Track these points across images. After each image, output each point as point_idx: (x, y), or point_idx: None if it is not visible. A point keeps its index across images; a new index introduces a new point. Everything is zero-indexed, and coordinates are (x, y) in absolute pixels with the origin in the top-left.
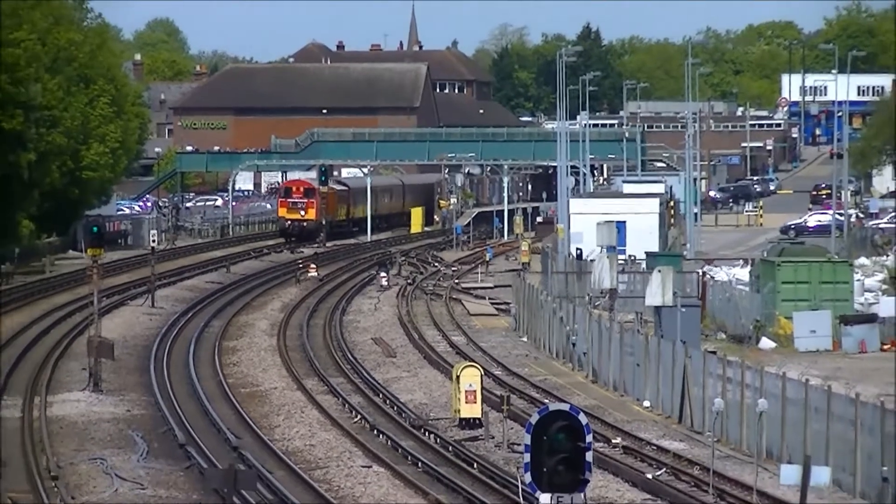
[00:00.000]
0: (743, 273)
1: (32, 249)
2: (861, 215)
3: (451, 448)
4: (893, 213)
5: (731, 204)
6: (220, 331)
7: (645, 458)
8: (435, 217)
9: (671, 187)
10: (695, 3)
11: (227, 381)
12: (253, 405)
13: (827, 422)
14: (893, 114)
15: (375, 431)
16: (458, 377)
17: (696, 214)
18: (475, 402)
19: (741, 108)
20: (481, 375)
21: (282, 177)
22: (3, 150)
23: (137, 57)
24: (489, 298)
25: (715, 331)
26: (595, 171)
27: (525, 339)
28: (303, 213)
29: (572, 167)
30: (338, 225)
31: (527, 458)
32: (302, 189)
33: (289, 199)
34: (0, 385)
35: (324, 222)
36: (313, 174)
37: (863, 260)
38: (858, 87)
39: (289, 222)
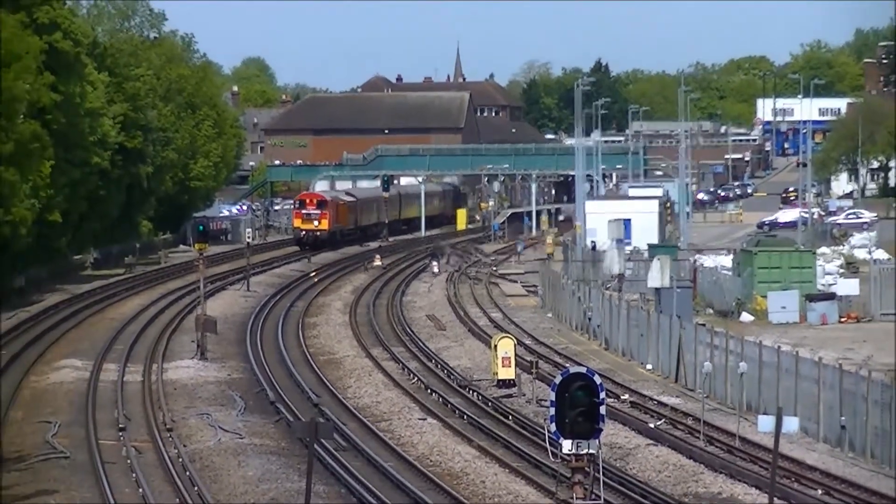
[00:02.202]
0: (726, 260)
1: (150, 244)
2: (822, 213)
3: (490, 404)
4: (848, 212)
5: (716, 204)
6: (302, 310)
7: (648, 410)
8: (477, 216)
9: (668, 191)
10: (686, 42)
11: (309, 351)
12: (330, 370)
13: (795, 380)
14: (849, 131)
15: (429, 390)
16: (495, 346)
17: (688, 213)
18: (510, 367)
19: (724, 127)
20: (514, 344)
21: (352, 184)
22: (127, 165)
23: (235, 88)
24: (521, 282)
25: (704, 307)
26: (606, 179)
27: (550, 315)
28: (316, 223)
29: (587, 175)
30: (348, 233)
31: (552, 411)
32: (315, 201)
33: (303, 211)
34: (124, 357)
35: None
36: (373, 182)
37: (824, 249)
38: (819, 109)
39: (303, 232)
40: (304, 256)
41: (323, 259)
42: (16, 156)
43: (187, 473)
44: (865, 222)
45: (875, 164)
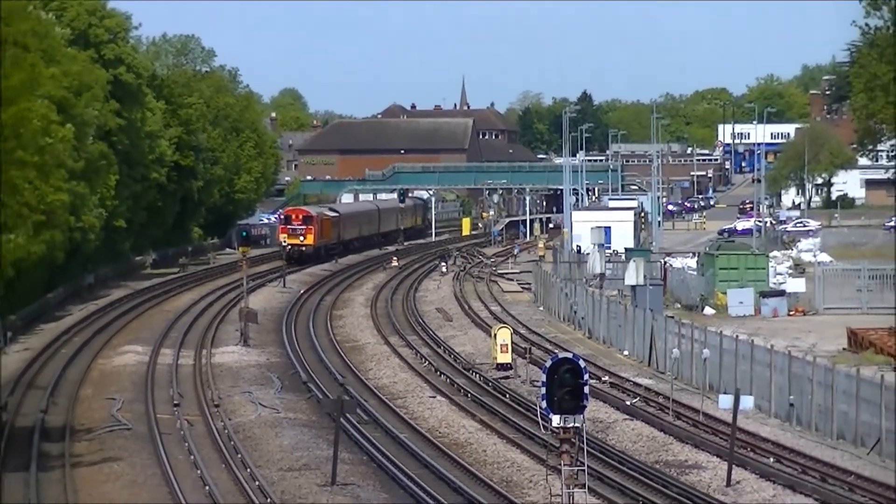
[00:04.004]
0: (692, 262)
1: (201, 248)
2: (773, 222)
3: (490, 384)
4: (796, 221)
5: (683, 214)
6: (330, 303)
7: (625, 390)
8: (479, 224)
9: (642, 203)
10: (656, 75)
11: (336, 339)
12: (353, 355)
13: (751, 365)
14: (797, 152)
15: (438, 372)
16: (495, 335)
17: (659, 221)
18: (507, 352)
19: (690, 148)
20: (511, 333)
21: (373, 196)
22: (181, 180)
23: (273, 114)
24: (517, 280)
25: (672, 302)
26: (589, 192)
27: (541, 308)
28: (302, 238)
29: (573, 189)
30: (331, 247)
31: (543, 390)
32: (301, 216)
33: (289, 226)
34: (178, 343)
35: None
36: (388, 195)
37: (775, 252)
38: (771, 133)
39: (289, 247)
40: (332, 259)
41: (348, 261)
42: (86, 172)
43: (232, 443)
44: (811, 230)
45: (819, 180)
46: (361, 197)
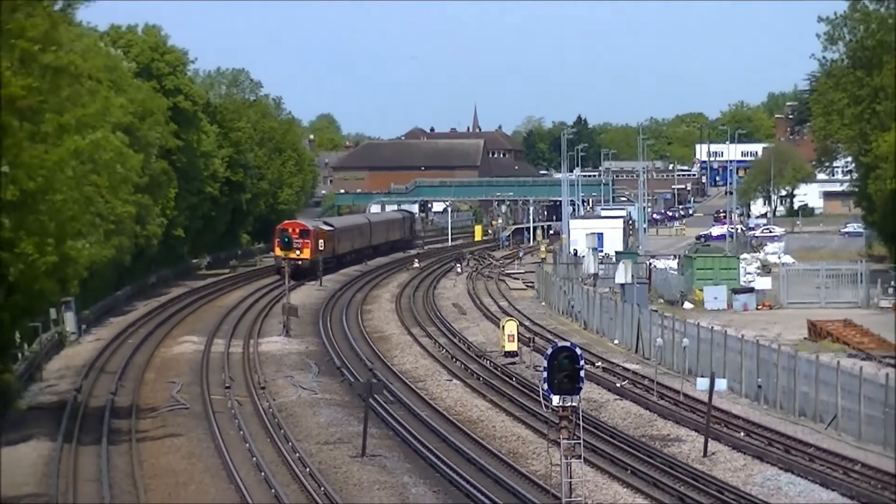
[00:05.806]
0: (673, 263)
1: (249, 252)
2: (744, 228)
3: (499, 369)
4: (763, 227)
5: (665, 222)
6: (361, 300)
7: (615, 374)
8: (489, 231)
9: (630, 212)
10: (643, 102)
11: (365, 330)
12: (381, 344)
13: (724, 352)
14: (764, 168)
15: (454, 359)
16: (503, 326)
17: (644, 228)
18: (514, 342)
19: (671, 165)
20: (517, 325)
21: (397, 206)
22: (232, 193)
23: (311, 136)
24: (522, 280)
25: (656, 298)
26: (584, 203)
27: (543, 303)
28: (299, 252)
29: (571, 201)
30: (326, 261)
31: (545, 374)
32: (298, 230)
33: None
34: (229, 333)
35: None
36: (410, 205)
37: (745, 255)
38: (742, 152)
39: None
40: (362, 261)
41: (377, 263)
42: (150, 186)
43: (275, 420)
44: (776, 235)
45: (783, 193)
46: (388, 207)
